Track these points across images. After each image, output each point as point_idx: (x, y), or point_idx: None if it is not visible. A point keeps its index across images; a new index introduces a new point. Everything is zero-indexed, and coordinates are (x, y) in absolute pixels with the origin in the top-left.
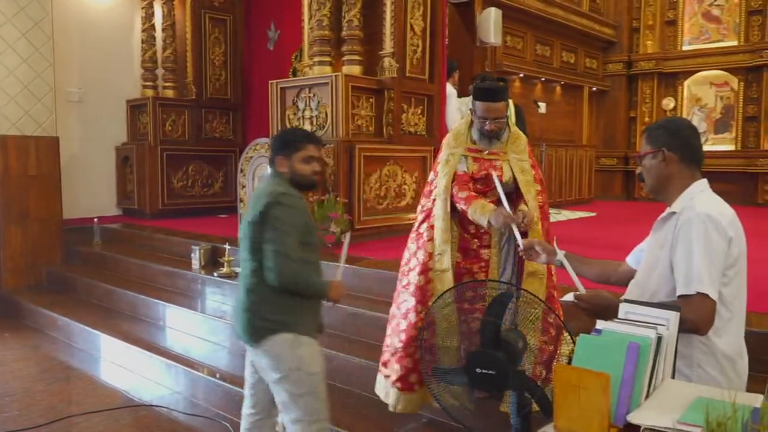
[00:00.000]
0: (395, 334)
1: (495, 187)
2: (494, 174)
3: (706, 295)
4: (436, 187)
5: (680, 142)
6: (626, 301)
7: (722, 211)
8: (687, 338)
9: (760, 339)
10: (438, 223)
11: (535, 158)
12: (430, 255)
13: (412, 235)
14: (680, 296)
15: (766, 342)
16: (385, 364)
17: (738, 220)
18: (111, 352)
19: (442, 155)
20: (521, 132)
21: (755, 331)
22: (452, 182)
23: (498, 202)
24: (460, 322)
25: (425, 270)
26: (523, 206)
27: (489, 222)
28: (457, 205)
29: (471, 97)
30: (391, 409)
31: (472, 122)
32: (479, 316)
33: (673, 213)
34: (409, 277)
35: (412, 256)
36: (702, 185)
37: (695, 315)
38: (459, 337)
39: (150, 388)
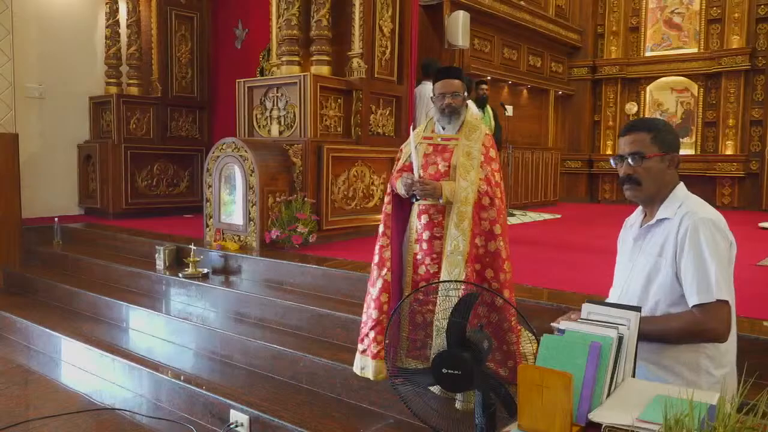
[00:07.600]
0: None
1: (451, 171)
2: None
3: (726, 302)
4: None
5: (678, 147)
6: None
7: (719, 215)
8: (694, 345)
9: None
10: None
11: (496, 154)
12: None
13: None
14: (697, 305)
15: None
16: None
17: None
18: (72, 354)
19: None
20: (482, 126)
21: None
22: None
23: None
24: (413, 313)
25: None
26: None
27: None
28: (393, 185)
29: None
30: (372, 377)
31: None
32: (432, 308)
33: (664, 219)
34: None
35: (381, 235)
36: (684, 188)
37: (717, 323)
38: (409, 328)
39: (112, 391)
